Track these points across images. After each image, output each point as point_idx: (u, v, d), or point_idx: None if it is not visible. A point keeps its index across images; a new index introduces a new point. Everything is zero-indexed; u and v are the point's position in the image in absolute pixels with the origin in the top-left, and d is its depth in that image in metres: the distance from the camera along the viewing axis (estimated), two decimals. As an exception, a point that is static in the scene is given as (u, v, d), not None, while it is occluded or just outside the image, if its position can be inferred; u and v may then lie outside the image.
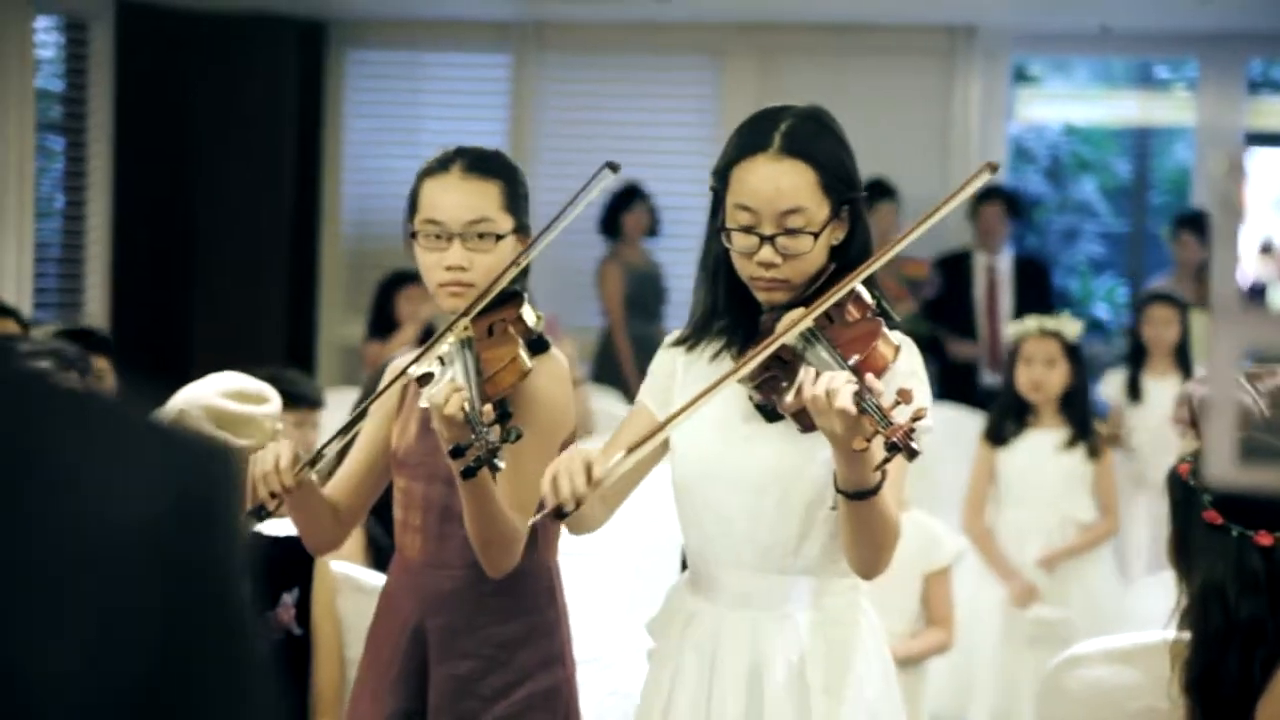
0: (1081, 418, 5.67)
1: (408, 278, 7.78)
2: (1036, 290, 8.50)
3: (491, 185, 2.92)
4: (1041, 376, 5.63)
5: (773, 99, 2.78)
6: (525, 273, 2.91)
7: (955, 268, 8.37)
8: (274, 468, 2.67)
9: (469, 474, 2.54)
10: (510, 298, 2.87)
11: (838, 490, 2.43)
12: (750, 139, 2.63)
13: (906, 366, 2.58)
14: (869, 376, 2.38)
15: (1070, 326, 5.71)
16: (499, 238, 2.90)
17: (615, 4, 8.57)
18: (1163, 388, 6.75)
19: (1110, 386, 7.04)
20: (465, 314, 2.79)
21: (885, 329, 2.54)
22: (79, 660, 0.89)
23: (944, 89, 8.84)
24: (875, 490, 2.41)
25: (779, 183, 2.58)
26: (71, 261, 8.42)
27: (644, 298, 8.46)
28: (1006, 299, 8.36)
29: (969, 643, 5.24)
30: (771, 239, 2.58)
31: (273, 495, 2.67)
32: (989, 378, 8.11)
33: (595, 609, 4.50)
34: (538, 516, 2.51)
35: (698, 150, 8.54)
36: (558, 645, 2.92)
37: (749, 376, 2.50)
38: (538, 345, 2.85)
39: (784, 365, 2.50)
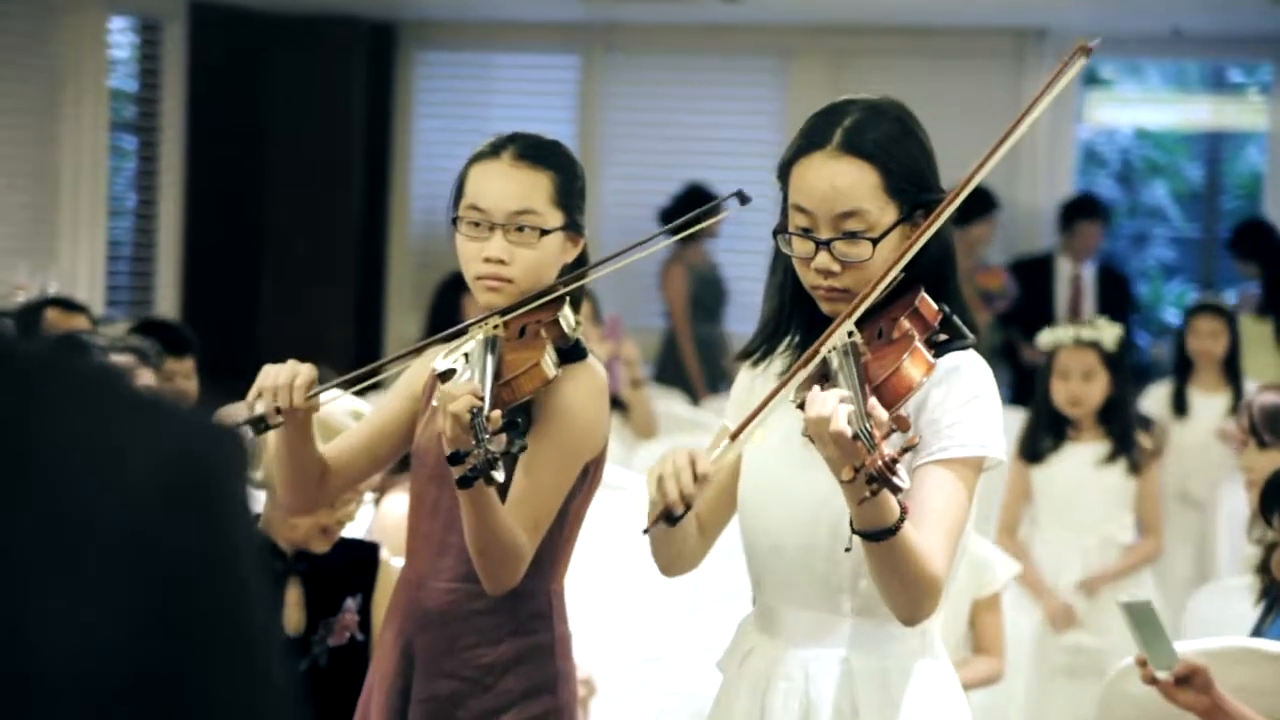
0: (1122, 431, 5.21)
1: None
2: (1118, 299, 8.46)
3: (543, 176, 2.70)
4: (1080, 391, 5.18)
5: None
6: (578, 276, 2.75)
7: (1036, 273, 8.31)
8: (288, 383, 2.52)
9: (464, 483, 2.38)
10: (552, 300, 2.69)
11: (853, 530, 2.20)
12: (811, 135, 2.41)
13: (951, 390, 2.35)
14: (872, 402, 2.16)
15: (1109, 334, 5.25)
16: (545, 233, 2.68)
17: (683, 5, 8.57)
18: (1209, 402, 6.46)
19: (1154, 400, 6.63)
20: (502, 312, 2.64)
21: (920, 347, 2.30)
22: (77, 637, 0.88)
23: (1013, 92, 8.78)
24: (893, 530, 2.16)
25: (835, 182, 2.35)
26: (143, 260, 8.50)
27: (706, 299, 8.46)
28: (1090, 307, 8.31)
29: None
30: (828, 244, 2.35)
31: (278, 410, 2.53)
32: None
33: (657, 610, 4.50)
34: (649, 526, 2.29)
35: (763, 152, 8.52)
36: (550, 672, 2.71)
37: (797, 394, 2.26)
38: (571, 353, 2.67)
39: (825, 384, 2.27)
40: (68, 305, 5.77)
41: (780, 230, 2.43)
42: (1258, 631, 3.37)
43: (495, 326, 2.62)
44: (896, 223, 2.37)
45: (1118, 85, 10.84)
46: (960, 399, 2.34)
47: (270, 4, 8.76)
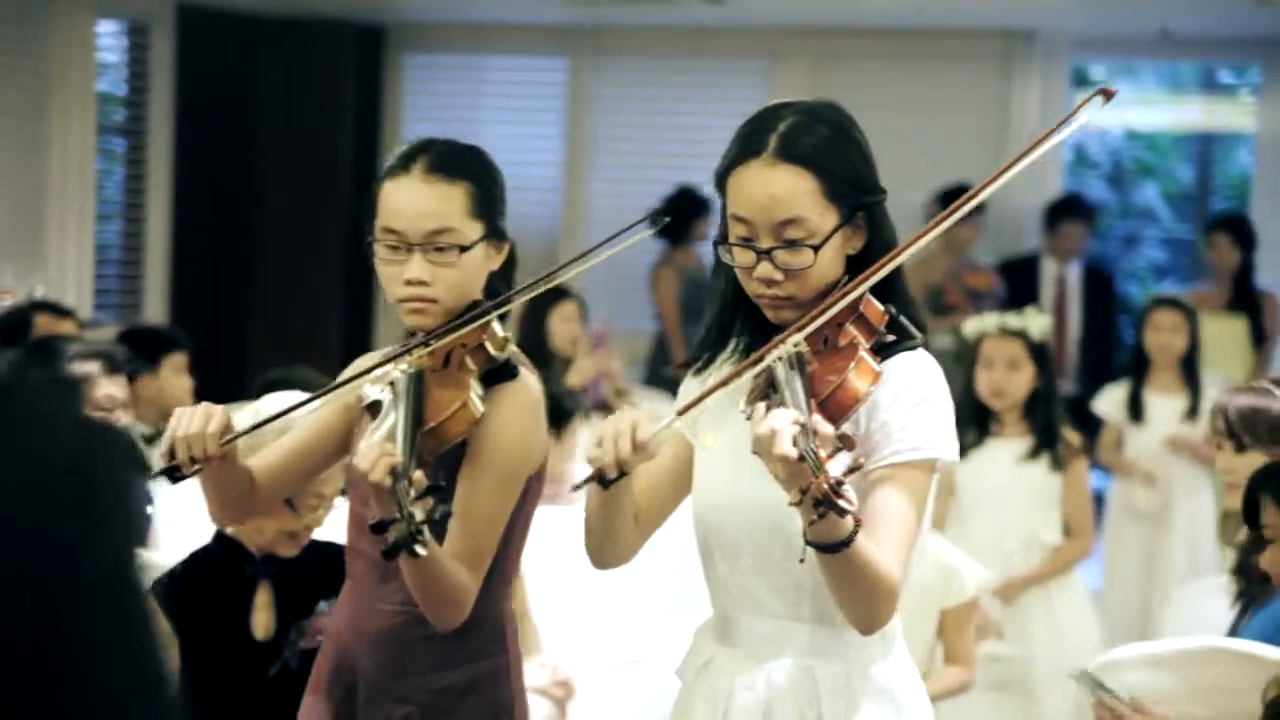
0: (1046, 425, 5.00)
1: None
2: (1102, 300, 8.47)
3: (456, 188, 2.58)
4: (1003, 381, 4.99)
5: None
6: (502, 279, 2.66)
7: (1021, 274, 8.32)
8: (200, 431, 2.45)
9: (387, 557, 2.28)
10: (477, 317, 2.58)
11: (806, 541, 2.15)
12: (746, 143, 2.36)
13: (901, 393, 2.31)
14: (817, 419, 2.12)
15: (1036, 324, 5.07)
16: (464, 249, 2.57)
17: (670, 8, 8.57)
18: (1166, 405, 6.19)
19: (1108, 402, 6.33)
20: (426, 342, 2.53)
21: (866, 356, 2.26)
22: None
23: (1001, 93, 8.79)
24: (847, 543, 2.13)
25: (773, 190, 2.31)
26: (131, 263, 8.50)
27: (697, 302, 8.46)
28: (1075, 309, 8.32)
29: None
30: (769, 253, 2.31)
31: (193, 460, 2.45)
32: (1051, 385, 8.05)
33: (636, 613, 4.50)
34: (579, 484, 2.27)
35: (753, 154, 8.53)
36: (507, 695, 2.64)
37: (746, 405, 2.23)
38: (502, 373, 2.57)
39: (771, 394, 2.22)
40: (55, 310, 5.78)
41: (721, 240, 2.39)
42: (1233, 632, 3.37)
43: (421, 357, 2.52)
44: (837, 227, 2.33)
45: (1108, 86, 10.83)
46: (910, 402, 2.30)
47: (258, 7, 8.76)
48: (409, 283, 2.57)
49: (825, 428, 2.10)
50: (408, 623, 2.59)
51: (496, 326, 2.58)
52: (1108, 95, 2.35)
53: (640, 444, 2.21)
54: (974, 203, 2.38)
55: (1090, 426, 6.08)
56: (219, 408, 2.51)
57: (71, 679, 0.92)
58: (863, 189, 2.36)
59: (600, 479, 2.23)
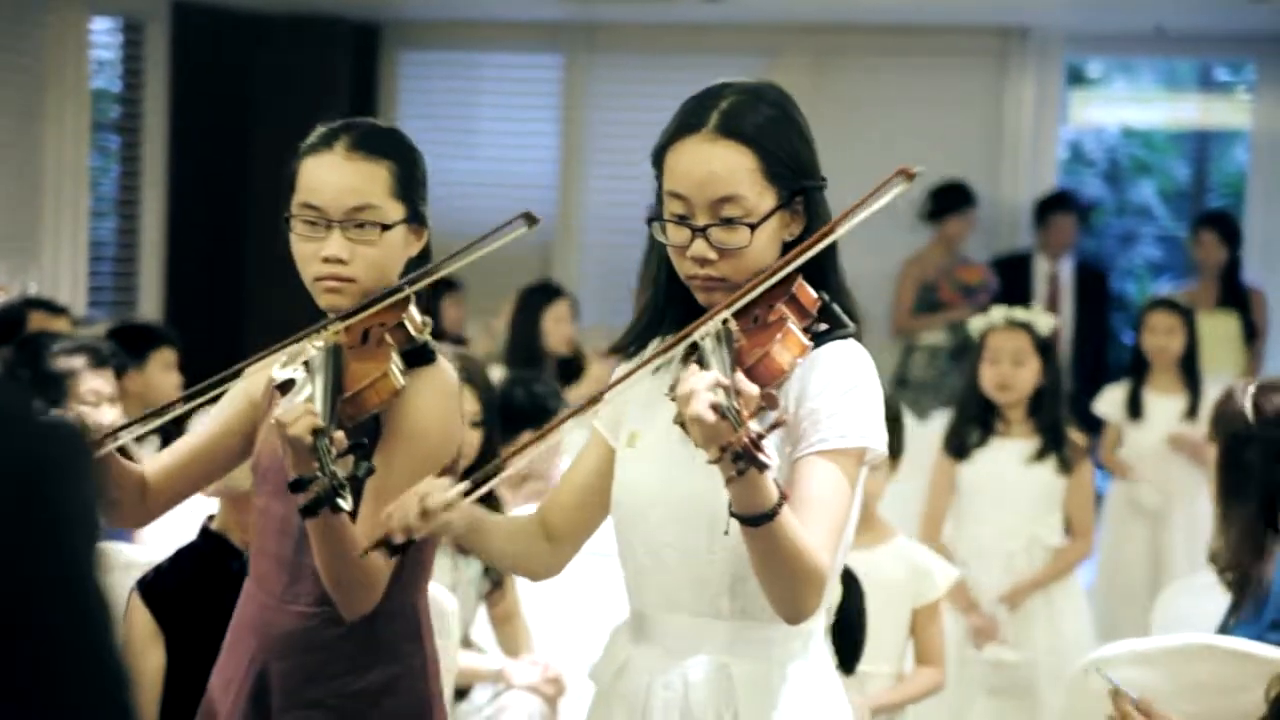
0: (1052, 425, 4.93)
1: (449, 283, 7.82)
2: (1095, 297, 8.46)
3: (380, 167, 2.54)
4: (1010, 376, 4.91)
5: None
6: (418, 266, 2.58)
7: (1014, 271, 8.31)
8: None
9: (308, 512, 2.23)
10: (394, 293, 2.52)
11: (730, 513, 2.08)
12: (686, 118, 2.30)
13: (830, 380, 2.25)
14: (739, 377, 2.06)
15: (1043, 320, 4.99)
16: (386, 228, 2.52)
17: (665, 4, 8.56)
18: (1165, 404, 6.18)
19: (1108, 403, 6.31)
20: (343, 319, 2.46)
21: (794, 328, 2.22)
22: None
23: (996, 90, 8.78)
24: (771, 515, 2.06)
25: (712, 166, 2.25)
26: (126, 260, 8.49)
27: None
28: (1068, 306, 8.31)
29: None
30: (704, 230, 2.26)
31: None
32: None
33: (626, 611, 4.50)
34: (367, 549, 2.25)
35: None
36: (424, 696, 2.56)
37: (671, 389, 2.14)
38: (419, 356, 2.51)
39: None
40: (50, 307, 5.79)
41: (655, 218, 2.33)
42: (1224, 629, 3.37)
43: (336, 333, 2.45)
44: (775, 209, 2.28)
45: (1104, 84, 10.84)
46: (840, 389, 2.24)
47: (253, 4, 8.75)
48: (326, 260, 2.52)
49: (748, 386, 2.05)
50: (320, 623, 2.50)
51: (414, 310, 2.52)
52: (909, 176, 2.29)
53: (428, 511, 2.19)
54: (809, 254, 2.28)
55: (1086, 424, 6.07)
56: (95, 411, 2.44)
57: (27, 677, 0.91)
58: (802, 172, 2.32)
59: (388, 546, 2.22)
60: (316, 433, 2.24)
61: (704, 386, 2.00)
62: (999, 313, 5.04)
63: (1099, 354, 8.65)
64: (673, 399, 2.09)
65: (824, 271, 2.32)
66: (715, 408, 1.97)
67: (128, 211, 8.49)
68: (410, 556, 2.47)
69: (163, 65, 8.40)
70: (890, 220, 8.52)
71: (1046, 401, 4.95)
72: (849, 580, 3.30)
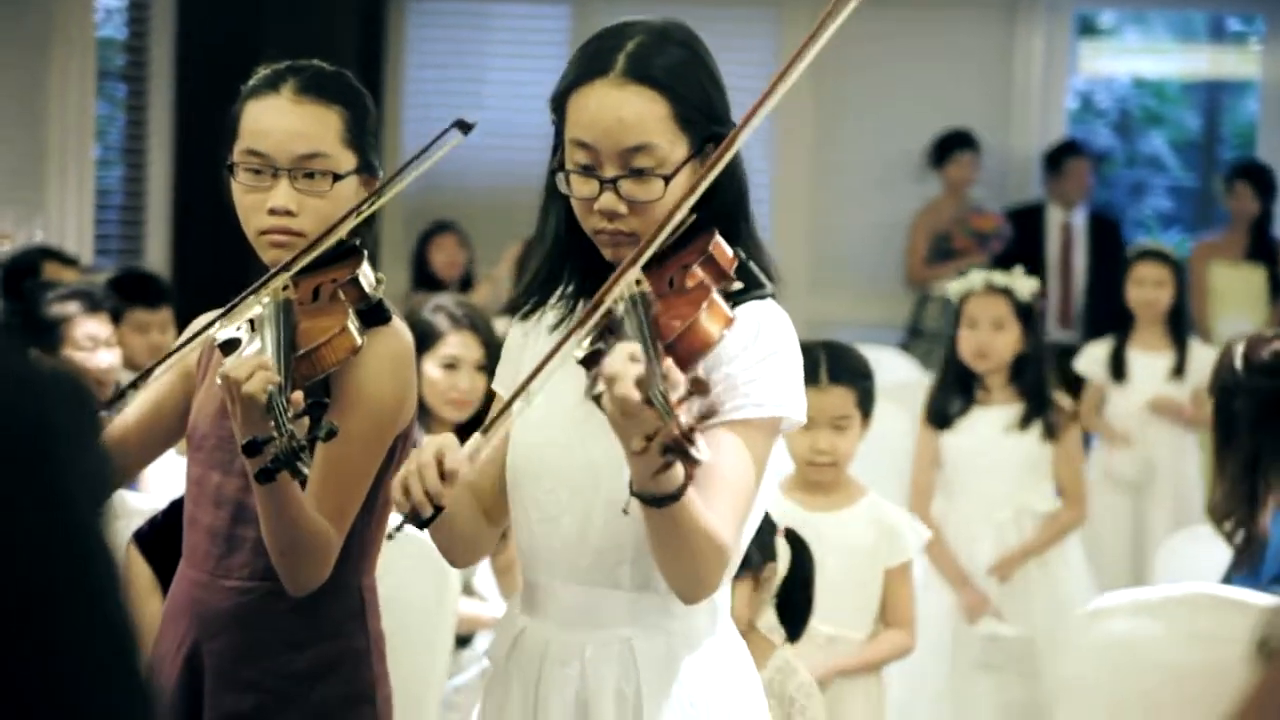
0: (1035, 390, 4.74)
1: (443, 227, 7.81)
2: (1109, 248, 8.43)
3: (330, 112, 2.38)
4: (988, 342, 4.72)
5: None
6: (370, 224, 2.41)
7: (1026, 221, 8.27)
8: None
9: (264, 476, 2.07)
10: (348, 254, 2.35)
11: (631, 492, 1.93)
12: (590, 61, 2.14)
13: (747, 345, 2.11)
14: (668, 363, 1.89)
15: (1024, 284, 4.79)
16: (337, 178, 2.36)
17: (674, -47, 8.51)
18: (1150, 362, 5.87)
19: (1089, 361, 6.01)
20: (286, 268, 2.29)
21: (718, 298, 2.04)
22: None
23: (1006, 41, 8.73)
24: (675, 497, 1.91)
25: (621, 113, 2.09)
26: (133, 209, 8.48)
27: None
28: (1081, 256, 8.27)
29: (910, 663, 4.00)
30: (614, 182, 2.10)
31: None
32: (1058, 334, 8.03)
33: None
34: (393, 530, 2.04)
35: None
36: (367, 678, 2.39)
37: (585, 361, 2.00)
38: (374, 315, 2.33)
39: (610, 339, 2.00)
40: (61, 258, 5.79)
41: (558, 169, 2.16)
42: (1228, 579, 3.36)
43: (285, 288, 2.27)
44: (688, 158, 2.12)
45: (1115, 34, 10.77)
46: (757, 355, 2.10)
47: (260, -48, 8.71)
48: (273, 211, 2.37)
49: (676, 373, 1.88)
50: (256, 599, 2.35)
51: (368, 266, 2.35)
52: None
53: (450, 473, 1.98)
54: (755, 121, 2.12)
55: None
56: None
57: (31, 642, 0.90)
58: (715, 118, 2.16)
59: (416, 520, 2.00)
60: (273, 389, 2.08)
61: (628, 368, 1.84)
62: (977, 276, 4.85)
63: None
64: (580, 362, 1.98)
65: (735, 224, 2.18)
66: (642, 387, 1.82)
67: (134, 160, 8.47)
68: (358, 533, 2.35)
69: (169, 11, 8.37)
70: (902, 171, 8.55)
71: (1029, 367, 4.76)
72: (797, 545, 3.18)
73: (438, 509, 1.98)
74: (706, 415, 1.86)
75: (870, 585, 3.64)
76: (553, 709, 2.14)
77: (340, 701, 2.37)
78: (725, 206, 2.16)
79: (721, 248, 2.11)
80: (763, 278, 2.15)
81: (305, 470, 2.07)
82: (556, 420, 2.13)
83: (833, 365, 3.58)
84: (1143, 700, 2.95)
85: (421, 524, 2.01)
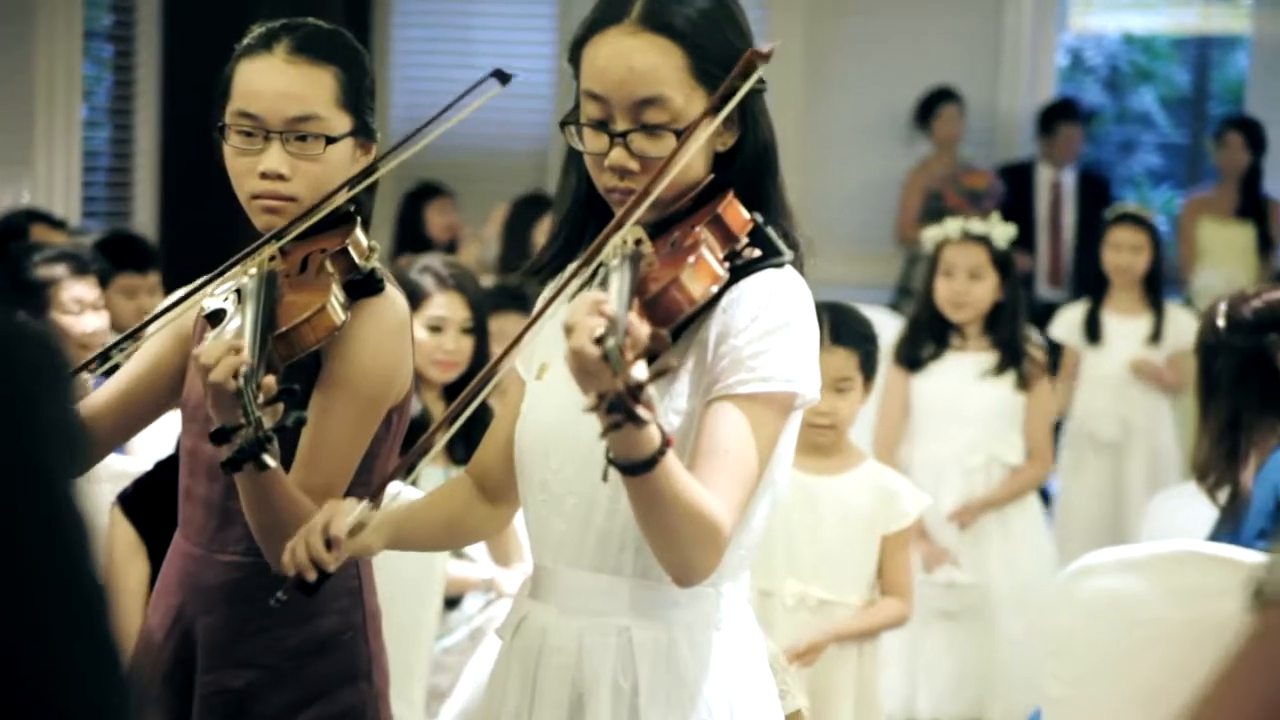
0: (1010, 340, 4.67)
1: (435, 190, 7.79)
2: (1098, 206, 8.42)
3: (325, 73, 2.28)
4: (964, 291, 4.67)
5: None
6: (372, 190, 2.33)
7: (1016, 179, 8.27)
8: None
9: (229, 466, 2.00)
10: (340, 221, 2.26)
11: (608, 459, 1.80)
12: (606, 8, 2.01)
13: (758, 315, 1.97)
14: (631, 317, 1.76)
15: (1000, 231, 4.71)
16: (331, 141, 2.28)
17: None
18: (1126, 327, 5.82)
19: (1064, 325, 5.93)
20: (278, 236, 2.21)
21: (707, 255, 1.92)
22: None
23: (994, 9, 8.68)
24: (650, 463, 1.79)
25: (633, 62, 1.97)
26: (120, 170, 8.45)
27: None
28: (1070, 214, 8.27)
29: None
30: (624, 136, 1.98)
31: None
32: (1047, 292, 8.03)
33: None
34: (276, 598, 1.98)
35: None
36: (363, 658, 2.34)
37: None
38: (366, 286, 2.24)
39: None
40: (49, 221, 5.77)
41: (570, 121, 2.05)
42: (1214, 536, 3.37)
43: (272, 258, 2.20)
44: (705, 114, 1.98)
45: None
46: (767, 326, 1.97)
47: (246, -90, 8.65)
48: (264, 175, 2.28)
49: (639, 328, 1.77)
50: (251, 573, 2.27)
51: (360, 234, 2.26)
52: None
53: (335, 540, 1.93)
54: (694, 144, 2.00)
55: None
56: None
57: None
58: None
59: (301, 586, 1.96)
60: (242, 376, 2.01)
61: (587, 319, 1.73)
62: (954, 225, 4.76)
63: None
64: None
65: (762, 187, 2.06)
66: (599, 342, 1.70)
67: (122, 121, 8.44)
68: None
69: (155, -28, 8.32)
70: (891, 131, 8.52)
71: (1005, 317, 4.70)
72: None
73: (324, 575, 1.95)
74: (660, 373, 1.76)
75: (867, 551, 3.58)
76: (548, 700, 2.06)
77: (335, 678, 2.32)
78: (746, 168, 2.05)
79: (735, 209, 2.00)
80: (781, 245, 2.01)
81: (271, 462, 1.99)
82: (562, 393, 1.96)
83: (837, 326, 3.54)
84: (1130, 656, 2.95)
85: (308, 590, 1.98)
